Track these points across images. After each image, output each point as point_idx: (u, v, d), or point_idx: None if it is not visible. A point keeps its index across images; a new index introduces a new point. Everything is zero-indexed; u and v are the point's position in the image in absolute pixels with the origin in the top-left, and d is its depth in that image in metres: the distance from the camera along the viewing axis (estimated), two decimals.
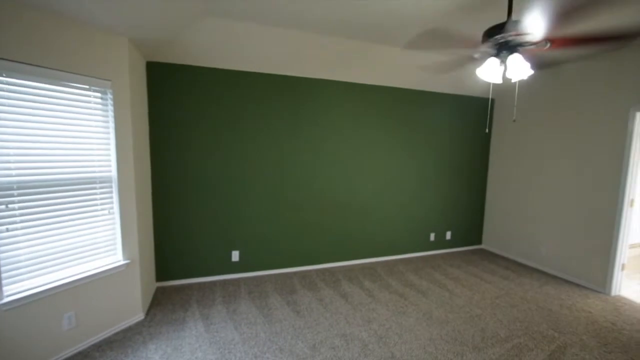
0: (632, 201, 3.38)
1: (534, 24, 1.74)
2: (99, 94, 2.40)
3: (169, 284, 3.47)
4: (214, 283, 3.53)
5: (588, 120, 3.63)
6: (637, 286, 3.69)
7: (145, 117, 3.12)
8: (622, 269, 3.48)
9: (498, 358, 2.34)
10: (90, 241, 2.43)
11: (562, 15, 1.64)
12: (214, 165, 3.50)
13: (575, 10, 1.62)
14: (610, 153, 3.43)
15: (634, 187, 3.35)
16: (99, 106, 2.41)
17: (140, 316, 2.79)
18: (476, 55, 2.18)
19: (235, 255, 3.69)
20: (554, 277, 3.90)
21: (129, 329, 2.64)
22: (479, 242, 5.14)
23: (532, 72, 2.07)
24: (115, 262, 2.57)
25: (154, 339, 2.50)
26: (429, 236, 4.72)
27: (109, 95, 2.44)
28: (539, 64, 3.58)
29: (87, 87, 2.32)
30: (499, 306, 3.14)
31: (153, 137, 3.26)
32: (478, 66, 2.12)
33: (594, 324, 2.86)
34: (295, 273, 3.87)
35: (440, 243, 4.82)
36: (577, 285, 3.69)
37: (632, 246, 4.78)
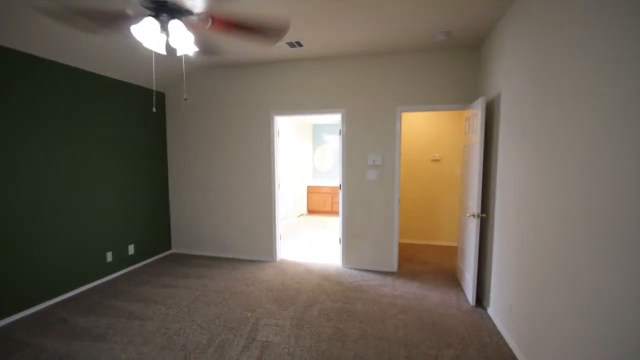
0: (279, 185, 4.35)
1: None
2: None
3: None
4: None
5: (247, 119, 4.23)
6: (289, 247, 4.86)
7: None
8: (280, 238, 4.43)
9: None
10: None
11: None
12: None
13: None
14: (265, 147, 4.19)
15: (278, 174, 4.32)
16: None
17: None
18: (129, 11, 1.68)
19: None
20: (240, 260, 4.30)
21: None
22: (169, 247, 4.74)
23: (197, 48, 1.90)
24: None
25: None
26: (105, 257, 3.67)
27: None
28: (207, 49, 3.09)
29: None
30: (197, 310, 2.91)
31: None
32: (133, 24, 1.65)
33: (272, 290, 3.35)
34: None
35: (122, 262, 3.91)
36: (257, 261, 4.28)
37: (283, 218, 6.37)
